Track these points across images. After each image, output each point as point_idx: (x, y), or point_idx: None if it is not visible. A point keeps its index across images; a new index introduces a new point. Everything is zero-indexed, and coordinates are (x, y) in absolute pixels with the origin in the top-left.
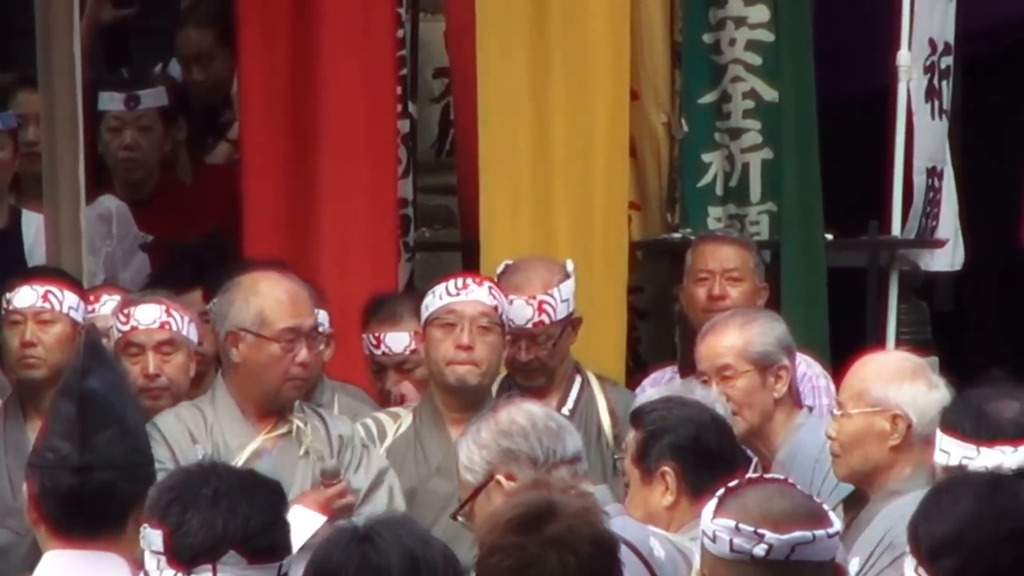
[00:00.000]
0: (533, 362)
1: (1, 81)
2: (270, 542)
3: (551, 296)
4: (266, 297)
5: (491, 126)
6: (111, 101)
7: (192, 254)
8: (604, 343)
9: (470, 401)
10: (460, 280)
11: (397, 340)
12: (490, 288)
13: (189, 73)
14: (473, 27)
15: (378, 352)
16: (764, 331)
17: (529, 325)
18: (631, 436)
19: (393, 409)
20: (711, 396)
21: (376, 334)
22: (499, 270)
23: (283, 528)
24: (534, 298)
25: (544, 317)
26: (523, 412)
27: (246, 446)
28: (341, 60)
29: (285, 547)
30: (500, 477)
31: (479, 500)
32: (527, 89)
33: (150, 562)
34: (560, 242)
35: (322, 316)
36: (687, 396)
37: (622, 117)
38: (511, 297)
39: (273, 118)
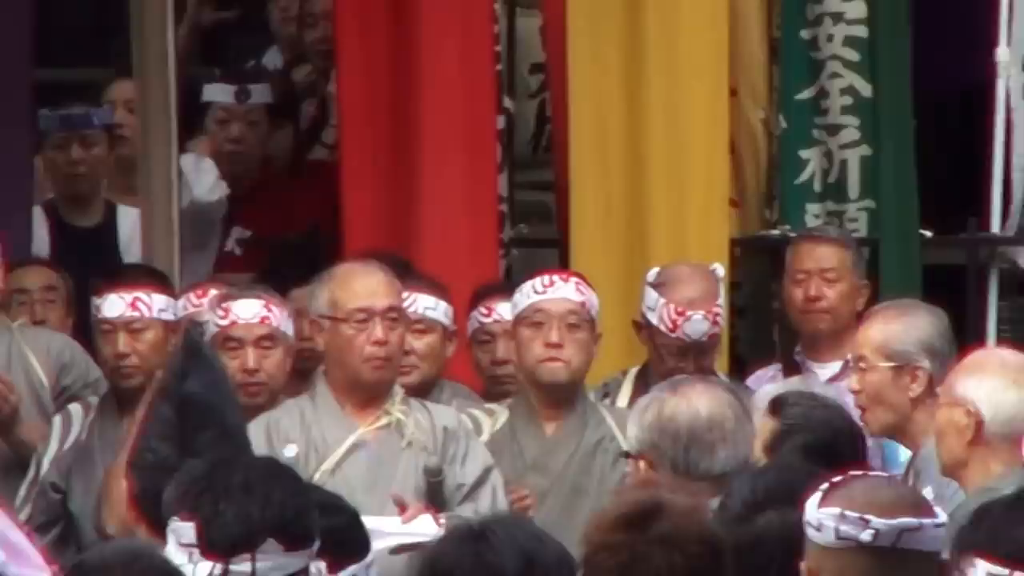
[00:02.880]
0: (698, 372)
1: (97, 77)
2: (304, 529)
3: (719, 306)
4: (337, 282)
5: (583, 121)
6: (220, 93)
7: (296, 251)
8: None
9: (562, 398)
10: (547, 277)
11: (510, 309)
12: (577, 284)
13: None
14: (566, 22)
15: (488, 320)
16: (907, 328)
17: (705, 338)
18: (765, 423)
19: (489, 405)
20: (830, 392)
21: (488, 305)
22: (652, 279)
23: (314, 515)
24: (711, 312)
25: (716, 328)
26: (689, 411)
27: (344, 439)
28: (438, 56)
29: (315, 534)
30: (642, 463)
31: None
32: (621, 84)
33: (180, 556)
34: (654, 239)
35: (442, 308)
36: (806, 391)
37: (721, 113)
38: (689, 313)
39: (371, 115)
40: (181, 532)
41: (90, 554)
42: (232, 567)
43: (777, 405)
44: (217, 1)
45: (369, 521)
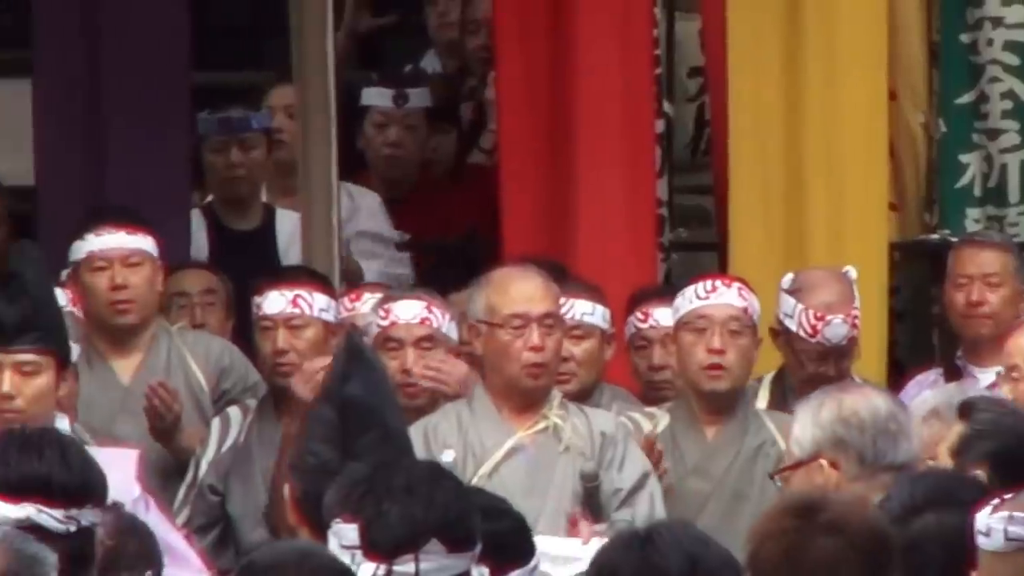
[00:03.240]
0: (838, 376)
1: (255, 81)
2: (467, 531)
3: (856, 309)
4: (495, 287)
5: (742, 125)
6: (379, 97)
7: (455, 255)
8: (864, 345)
9: (724, 405)
10: (710, 283)
11: (667, 314)
12: (740, 289)
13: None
14: (726, 26)
15: (645, 326)
16: None
17: (844, 342)
18: (953, 427)
19: (649, 409)
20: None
21: (644, 310)
22: (787, 285)
23: (476, 517)
24: (849, 315)
25: (854, 331)
26: (869, 405)
27: (502, 444)
28: (598, 61)
29: (478, 537)
30: (824, 461)
31: (798, 474)
32: (780, 88)
33: (342, 557)
34: (813, 243)
35: (599, 312)
36: (960, 398)
37: (880, 117)
38: (828, 317)
39: (530, 119)
40: (343, 534)
41: (259, 553)
42: (395, 568)
43: (966, 409)
44: (374, 6)
45: (551, 545)
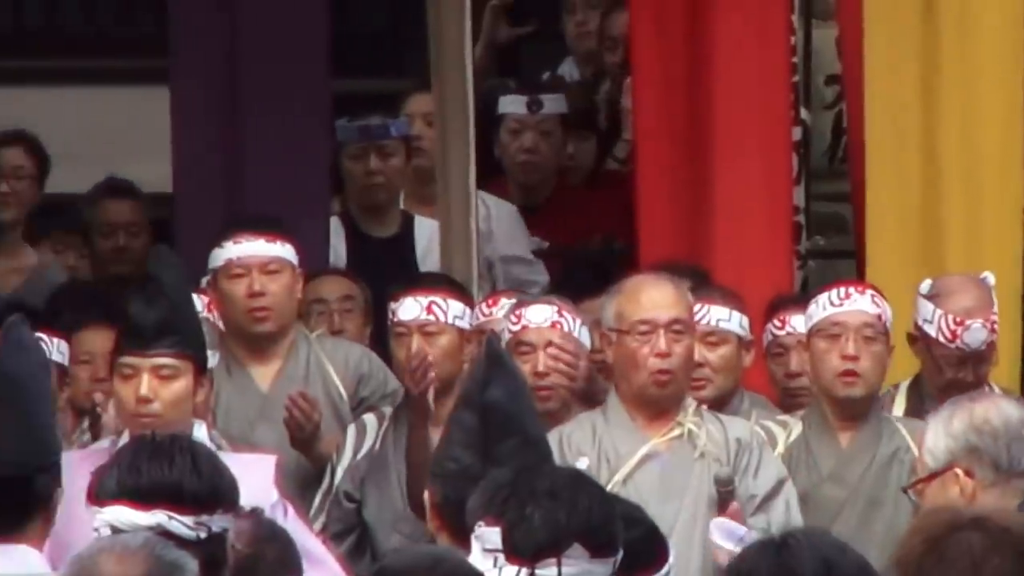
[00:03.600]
0: (976, 382)
1: (394, 89)
2: (610, 536)
3: (995, 314)
4: (625, 294)
5: (880, 132)
6: (513, 104)
7: (592, 261)
8: (999, 352)
9: (858, 411)
10: (843, 289)
11: (803, 322)
12: (873, 296)
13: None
14: (863, 34)
15: (782, 333)
16: None
17: (983, 347)
18: None
19: (781, 418)
20: None
21: (781, 317)
22: (925, 291)
23: (619, 523)
24: (988, 320)
25: (993, 336)
26: (1000, 412)
27: (636, 451)
28: (735, 68)
29: (620, 542)
30: (959, 471)
31: (933, 485)
32: (917, 95)
33: (484, 561)
34: (951, 250)
35: (736, 319)
36: None
37: (1016, 122)
38: (968, 322)
39: (667, 128)
40: (486, 537)
41: (391, 558)
42: (537, 571)
43: None
44: (512, 15)
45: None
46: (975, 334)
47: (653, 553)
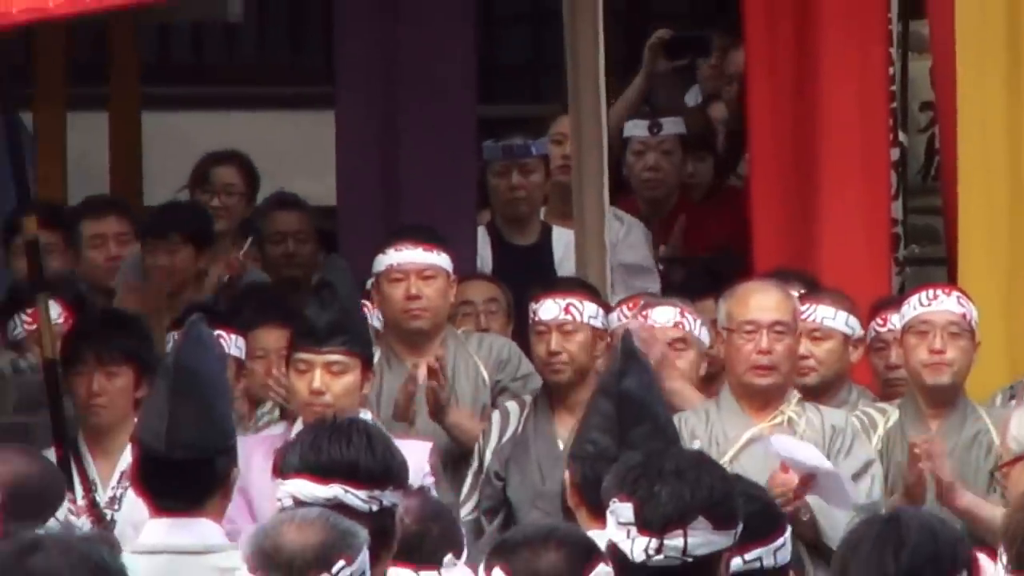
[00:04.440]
0: None
1: (534, 113)
2: (730, 511)
3: None
4: (736, 297)
5: (970, 154)
6: (636, 128)
7: (710, 267)
8: None
9: (945, 399)
10: (931, 291)
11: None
12: (958, 297)
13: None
14: (955, 65)
15: (884, 330)
16: None
17: None
18: None
19: (881, 405)
20: None
21: (883, 316)
22: None
23: (739, 499)
24: None
25: None
26: None
27: (742, 435)
28: (839, 97)
29: (740, 516)
30: None
31: (1017, 467)
32: (1004, 120)
33: (619, 533)
34: None
35: (841, 317)
36: None
37: None
38: None
39: (778, 149)
40: (620, 512)
41: (512, 531)
42: (666, 542)
43: None
44: (669, 50)
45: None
46: None
47: (770, 526)
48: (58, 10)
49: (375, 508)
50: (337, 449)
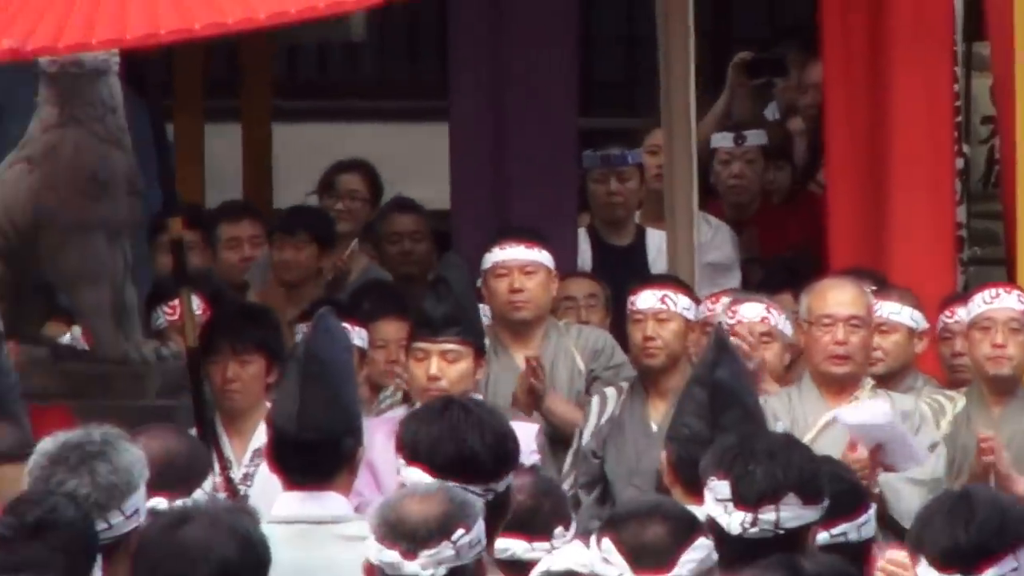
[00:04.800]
0: None
1: (631, 126)
2: (817, 488)
3: None
4: (815, 293)
5: None
6: (722, 139)
7: (788, 265)
8: None
9: (1006, 389)
10: (994, 290)
11: (965, 312)
12: (1019, 296)
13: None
14: (1014, 82)
15: (951, 321)
16: None
17: None
18: None
19: (950, 392)
20: None
21: (950, 309)
22: None
23: (824, 477)
24: None
25: None
26: None
27: (820, 418)
28: (909, 110)
29: (826, 493)
30: None
31: None
32: None
33: (717, 508)
34: None
35: (906, 312)
36: None
37: None
38: None
39: (853, 156)
40: (718, 489)
41: (621, 505)
42: (760, 516)
43: None
44: (749, 69)
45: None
46: None
47: (855, 503)
48: (203, 31)
49: (490, 497)
50: (454, 447)
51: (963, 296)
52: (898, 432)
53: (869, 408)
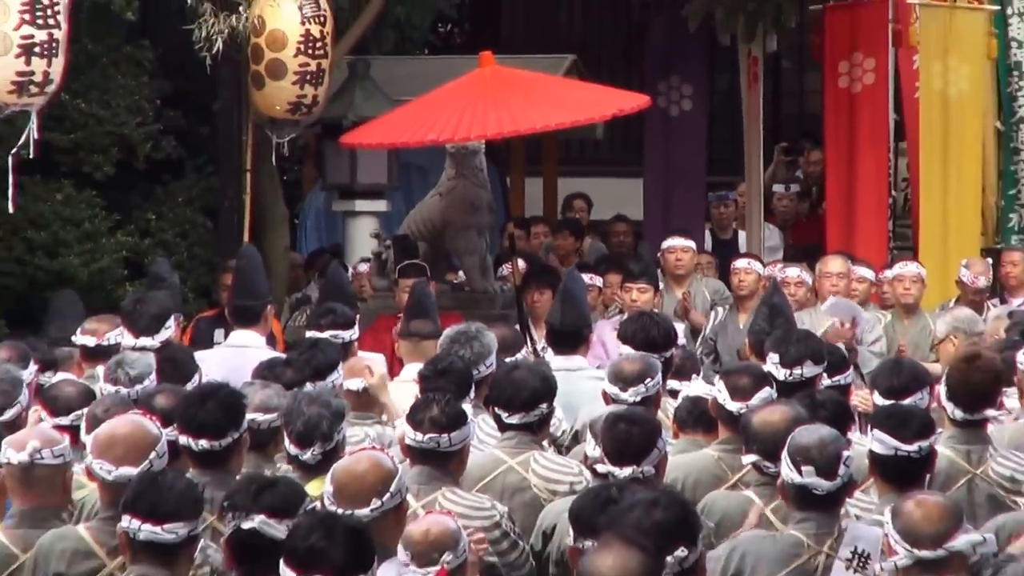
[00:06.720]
0: None
1: (731, 180)
2: (823, 356)
3: None
4: (822, 262)
5: None
6: (777, 187)
7: (806, 250)
8: None
9: (911, 311)
10: (905, 262)
11: None
12: (917, 266)
13: None
14: (918, 164)
15: (884, 276)
16: None
17: None
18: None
19: (883, 312)
20: None
21: (885, 270)
22: None
23: (825, 351)
24: None
25: None
26: None
27: (822, 322)
28: (866, 174)
29: (826, 359)
30: None
31: (943, 345)
32: None
33: (772, 367)
34: None
35: (865, 272)
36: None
37: None
38: None
39: (838, 197)
40: (772, 358)
41: (726, 366)
42: (793, 370)
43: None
44: (786, 152)
45: None
46: None
47: (841, 365)
48: (523, 131)
49: (663, 359)
50: (643, 335)
51: (890, 264)
52: (857, 311)
53: (845, 302)
